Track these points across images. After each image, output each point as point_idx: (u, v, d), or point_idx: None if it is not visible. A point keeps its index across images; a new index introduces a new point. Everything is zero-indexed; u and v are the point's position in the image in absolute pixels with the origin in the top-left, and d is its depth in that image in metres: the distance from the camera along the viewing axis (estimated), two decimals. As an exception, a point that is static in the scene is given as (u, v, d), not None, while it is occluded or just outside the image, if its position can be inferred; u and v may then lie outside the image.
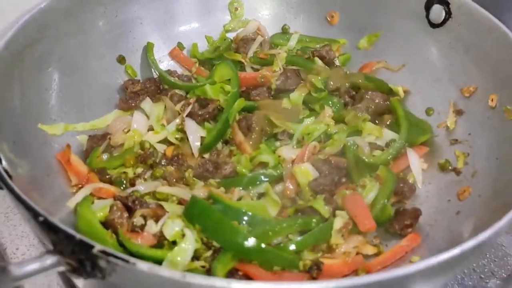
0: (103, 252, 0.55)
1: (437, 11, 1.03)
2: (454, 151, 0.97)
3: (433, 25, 1.05)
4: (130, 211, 0.83)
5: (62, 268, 0.58)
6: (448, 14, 1.01)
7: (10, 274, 0.54)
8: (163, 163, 0.97)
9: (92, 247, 0.56)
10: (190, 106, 1.04)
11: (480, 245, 0.62)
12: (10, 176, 0.69)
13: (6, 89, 0.86)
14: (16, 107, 0.87)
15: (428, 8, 1.04)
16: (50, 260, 0.57)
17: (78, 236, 0.56)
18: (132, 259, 0.55)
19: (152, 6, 1.14)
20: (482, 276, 0.91)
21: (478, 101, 0.97)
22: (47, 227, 0.58)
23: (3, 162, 0.72)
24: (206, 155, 1.00)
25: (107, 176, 0.94)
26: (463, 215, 0.86)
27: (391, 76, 1.12)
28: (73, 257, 0.57)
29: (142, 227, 0.80)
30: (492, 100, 0.93)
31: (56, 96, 0.97)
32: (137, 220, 0.80)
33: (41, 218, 0.59)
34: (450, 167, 0.96)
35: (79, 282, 0.84)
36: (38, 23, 0.93)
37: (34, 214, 0.60)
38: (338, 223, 0.84)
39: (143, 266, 0.54)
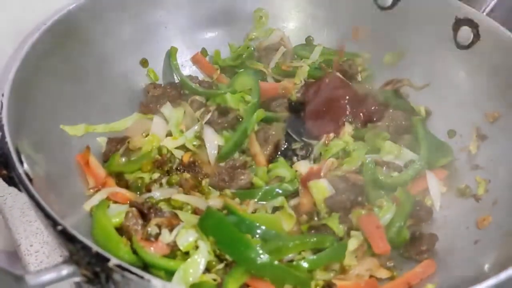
0: (119, 266, 0.56)
1: (465, 33, 1.01)
2: (475, 177, 0.95)
3: (461, 47, 1.03)
4: (145, 217, 0.84)
5: (77, 279, 0.58)
6: (476, 37, 0.99)
7: (26, 283, 0.55)
8: (179, 169, 0.97)
9: (108, 260, 0.56)
10: (210, 114, 1.04)
11: (503, 283, 0.61)
12: (30, 180, 0.70)
13: (31, 88, 0.86)
14: (39, 107, 0.88)
15: (456, 29, 1.02)
16: (66, 270, 0.58)
17: (95, 248, 0.57)
18: (147, 276, 0.55)
19: (177, 12, 1.14)
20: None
21: (502, 128, 0.95)
22: (65, 237, 0.59)
23: (25, 165, 0.72)
24: (222, 164, 0.99)
25: (123, 180, 0.94)
26: (482, 244, 0.84)
27: (414, 95, 1.11)
28: (88, 268, 0.58)
29: (157, 236, 0.81)
30: (516, 128, 0.91)
31: (79, 97, 0.98)
32: (152, 229, 0.81)
33: (59, 227, 0.59)
34: (470, 193, 0.94)
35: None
36: (66, 25, 0.94)
37: (53, 222, 0.61)
38: (352, 244, 0.83)
39: (157, 283, 0.55)
